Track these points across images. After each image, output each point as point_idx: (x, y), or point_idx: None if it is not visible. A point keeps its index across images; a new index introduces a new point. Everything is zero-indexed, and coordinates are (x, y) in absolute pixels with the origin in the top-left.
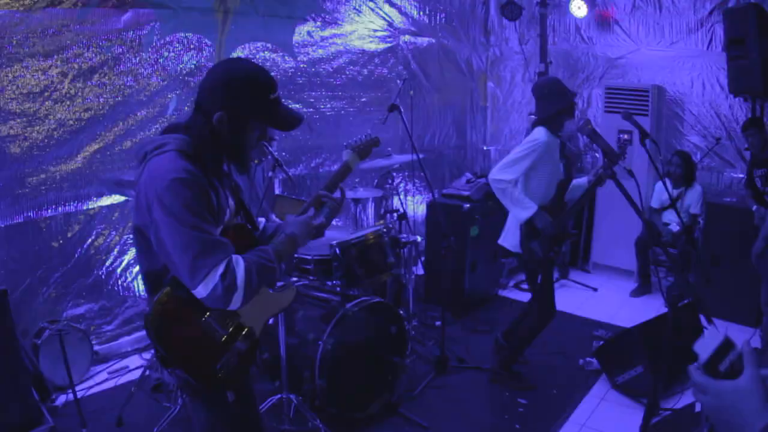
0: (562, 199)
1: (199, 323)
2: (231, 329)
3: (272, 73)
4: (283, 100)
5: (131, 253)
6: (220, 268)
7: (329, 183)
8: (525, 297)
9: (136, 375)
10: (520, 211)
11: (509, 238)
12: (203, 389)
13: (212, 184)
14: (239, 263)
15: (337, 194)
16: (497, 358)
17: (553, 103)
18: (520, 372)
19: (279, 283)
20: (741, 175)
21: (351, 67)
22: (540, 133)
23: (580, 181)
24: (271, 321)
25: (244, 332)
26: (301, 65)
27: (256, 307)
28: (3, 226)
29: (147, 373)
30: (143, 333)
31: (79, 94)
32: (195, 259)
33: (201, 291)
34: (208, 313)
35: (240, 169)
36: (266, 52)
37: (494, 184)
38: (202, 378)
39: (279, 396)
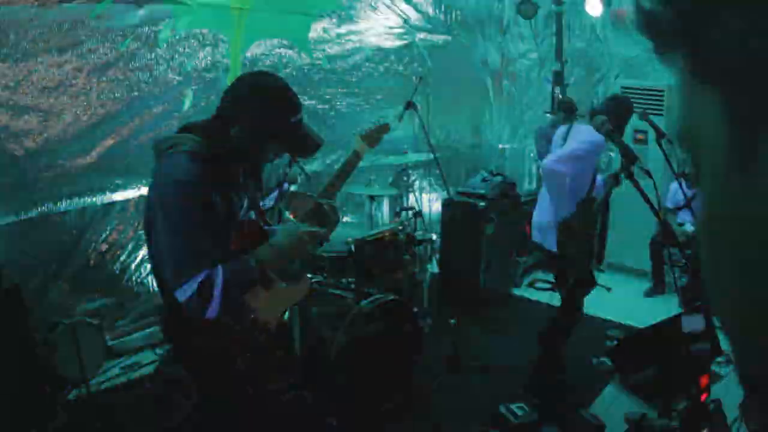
0: (592, 198)
1: (215, 320)
2: (247, 324)
3: (287, 70)
4: (301, 98)
5: (145, 249)
6: (200, 277)
7: (340, 172)
8: (540, 296)
9: (149, 370)
10: (562, 206)
11: (540, 232)
12: (219, 385)
13: (222, 188)
14: (218, 276)
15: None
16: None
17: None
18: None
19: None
20: None
21: (367, 64)
22: (596, 135)
23: (598, 182)
24: (286, 316)
25: (260, 326)
26: (317, 62)
27: (270, 302)
28: (18, 220)
29: (160, 368)
30: (156, 328)
31: (94, 89)
32: (179, 264)
33: (179, 295)
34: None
35: (251, 176)
36: (282, 49)
37: (549, 173)
38: (218, 374)
39: (294, 393)
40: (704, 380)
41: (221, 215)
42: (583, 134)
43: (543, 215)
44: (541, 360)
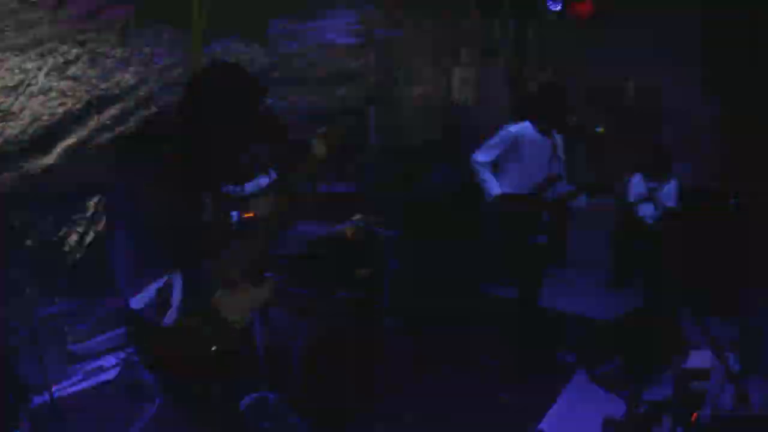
0: (543, 190)
1: (182, 324)
2: (214, 327)
3: (247, 68)
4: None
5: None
6: (159, 284)
7: (297, 174)
8: (506, 290)
9: (112, 374)
10: (484, 193)
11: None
12: (185, 388)
13: (190, 188)
14: (177, 282)
15: None
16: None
17: (549, 103)
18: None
19: None
20: None
21: (325, 61)
22: (515, 126)
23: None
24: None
25: (227, 328)
26: (275, 59)
27: (236, 304)
28: None
29: (123, 372)
30: (118, 331)
31: (54, 89)
32: (136, 270)
33: (134, 303)
34: (190, 314)
35: (224, 174)
36: (241, 45)
37: (471, 164)
38: (184, 377)
39: (258, 394)
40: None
41: (187, 216)
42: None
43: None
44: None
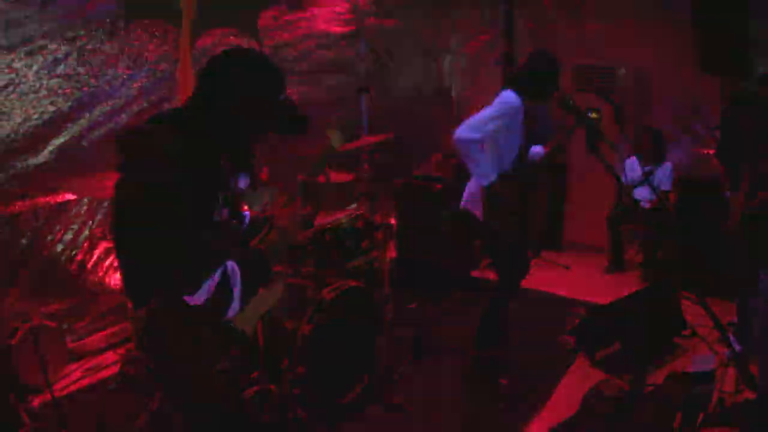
0: (524, 161)
1: (190, 330)
2: (223, 333)
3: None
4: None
5: (102, 248)
6: (216, 276)
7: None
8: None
9: (112, 371)
10: (480, 175)
11: (470, 199)
12: (186, 384)
13: (202, 184)
14: (234, 270)
15: None
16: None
17: (542, 72)
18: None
19: None
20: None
21: (317, 51)
22: (510, 96)
23: (536, 149)
24: None
25: (235, 334)
26: (267, 50)
27: (247, 308)
28: None
29: (123, 368)
30: (117, 328)
31: (44, 87)
32: (188, 266)
33: (196, 299)
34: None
35: (239, 168)
36: (232, 37)
37: (459, 142)
38: (190, 380)
39: (257, 386)
40: None
41: (199, 215)
42: (497, 97)
43: (472, 184)
44: (481, 335)
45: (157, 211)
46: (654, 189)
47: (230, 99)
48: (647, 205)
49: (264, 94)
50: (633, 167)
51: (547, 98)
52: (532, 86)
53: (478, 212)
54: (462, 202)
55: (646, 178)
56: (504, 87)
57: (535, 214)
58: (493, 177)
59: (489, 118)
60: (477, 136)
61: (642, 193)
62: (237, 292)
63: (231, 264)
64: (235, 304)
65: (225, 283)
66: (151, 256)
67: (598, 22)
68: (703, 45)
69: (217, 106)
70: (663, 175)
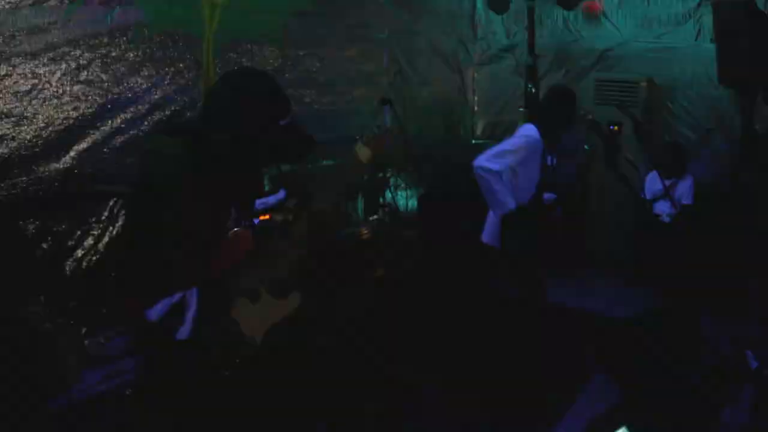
0: (541, 199)
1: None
2: (228, 340)
3: (260, 68)
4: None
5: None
6: (174, 299)
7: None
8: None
9: (130, 377)
10: (497, 206)
11: (490, 232)
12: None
13: (211, 197)
14: (193, 298)
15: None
16: None
17: (561, 108)
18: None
19: None
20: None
21: (339, 62)
22: (532, 129)
23: (548, 196)
24: None
25: (243, 342)
26: (289, 61)
27: (255, 315)
28: None
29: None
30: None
31: (67, 93)
32: (152, 281)
33: (151, 314)
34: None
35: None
36: (255, 47)
37: (478, 172)
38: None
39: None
40: None
41: (208, 226)
42: (519, 130)
43: (491, 217)
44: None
45: (165, 218)
46: (674, 203)
47: (230, 121)
48: (668, 220)
49: (260, 119)
50: (654, 181)
51: (567, 130)
52: (552, 124)
53: (497, 244)
54: (483, 235)
55: (667, 192)
56: (526, 121)
57: (552, 236)
58: (511, 206)
59: (509, 151)
60: (496, 167)
61: (663, 208)
62: (189, 315)
63: (192, 291)
64: (185, 328)
65: (180, 304)
66: (125, 265)
67: (619, 36)
68: (722, 59)
69: (220, 127)
70: (684, 189)
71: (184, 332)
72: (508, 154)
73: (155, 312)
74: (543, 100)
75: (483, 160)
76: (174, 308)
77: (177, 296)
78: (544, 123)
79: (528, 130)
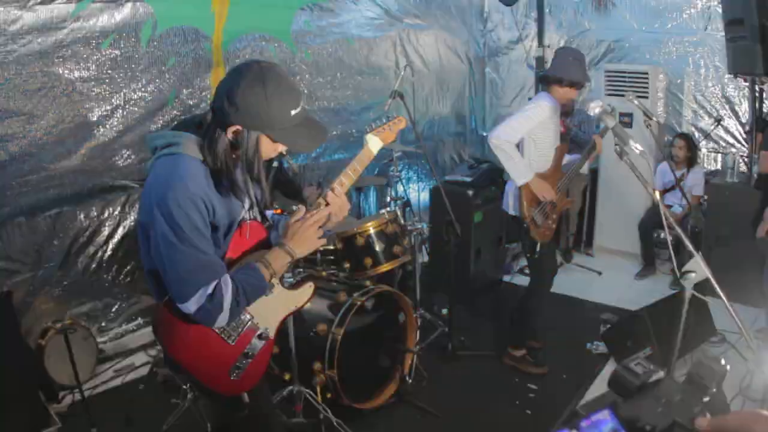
0: (560, 167)
1: (208, 328)
2: (242, 332)
3: (269, 61)
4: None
5: (133, 249)
6: (209, 289)
7: (350, 169)
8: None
9: (142, 372)
10: (517, 175)
11: (509, 201)
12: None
13: (223, 189)
14: (228, 285)
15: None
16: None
17: (571, 71)
18: (532, 350)
19: (288, 279)
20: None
21: (349, 56)
22: (544, 98)
23: (573, 158)
24: None
25: (257, 334)
26: (299, 55)
27: (269, 307)
28: (2, 224)
29: (154, 369)
30: (148, 329)
31: (77, 90)
32: (185, 276)
33: (188, 308)
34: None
35: (253, 179)
36: (264, 42)
37: (494, 142)
38: (212, 382)
39: (290, 388)
40: None
41: (222, 218)
42: (533, 101)
43: (509, 186)
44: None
45: (184, 214)
46: (685, 194)
47: (240, 114)
48: (679, 211)
49: (272, 110)
50: (664, 172)
51: (578, 90)
52: (561, 82)
53: (515, 212)
54: (503, 204)
55: (678, 183)
56: (538, 89)
57: (567, 216)
58: (529, 176)
59: (524, 119)
60: (512, 137)
61: (674, 199)
62: (227, 303)
63: (226, 277)
64: (224, 315)
65: (218, 295)
66: (157, 263)
67: (628, 26)
68: (732, 49)
69: (228, 122)
70: (695, 179)
71: (223, 320)
72: (524, 123)
73: (193, 303)
74: (552, 59)
75: (499, 131)
76: (210, 299)
77: (212, 286)
78: (555, 84)
79: (541, 98)
